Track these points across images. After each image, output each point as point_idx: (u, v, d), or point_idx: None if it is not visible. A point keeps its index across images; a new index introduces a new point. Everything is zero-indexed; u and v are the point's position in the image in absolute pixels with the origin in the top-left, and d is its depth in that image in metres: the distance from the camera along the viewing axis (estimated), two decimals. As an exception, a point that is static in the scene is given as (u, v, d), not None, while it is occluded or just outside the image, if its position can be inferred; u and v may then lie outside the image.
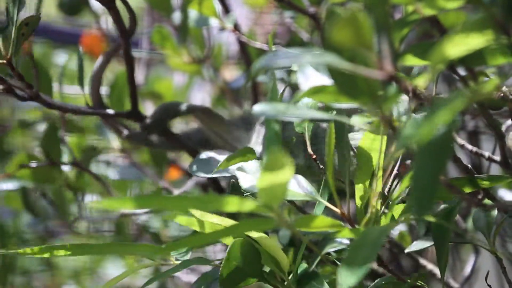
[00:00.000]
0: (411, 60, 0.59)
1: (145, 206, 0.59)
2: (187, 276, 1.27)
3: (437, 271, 0.89)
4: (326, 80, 0.55)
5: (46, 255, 0.62)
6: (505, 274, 0.68)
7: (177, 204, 0.54)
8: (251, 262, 0.64)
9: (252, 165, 0.66)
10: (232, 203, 0.52)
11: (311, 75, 0.59)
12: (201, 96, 1.74)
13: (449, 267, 1.23)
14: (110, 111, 0.90)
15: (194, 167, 0.76)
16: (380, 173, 0.61)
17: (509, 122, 0.75)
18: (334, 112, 0.64)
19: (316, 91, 0.53)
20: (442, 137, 0.47)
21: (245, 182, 0.64)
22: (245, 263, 0.64)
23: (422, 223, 0.75)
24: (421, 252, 0.97)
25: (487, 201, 0.66)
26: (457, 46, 0.50)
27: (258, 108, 0.55)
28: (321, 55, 0.48)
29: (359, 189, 0.64)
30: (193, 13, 0.98)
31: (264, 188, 0.51)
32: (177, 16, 1.05)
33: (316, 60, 0.48)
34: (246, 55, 1.06)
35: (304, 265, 0.65)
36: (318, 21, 0.92)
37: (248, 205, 0.52)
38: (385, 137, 0.61)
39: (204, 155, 0.78)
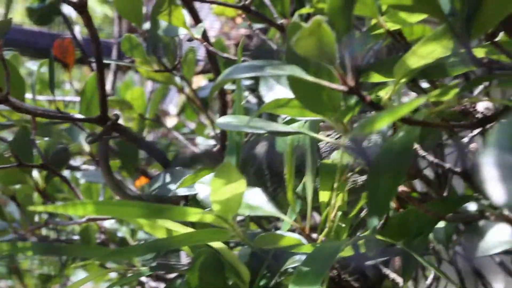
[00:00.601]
0: (374, 77, 0.60)
1: (104, 213, 0.59)
2: (154, 283, 1.28)
3: (400, 280, 0.90)
4: (288, 93, 0.56)
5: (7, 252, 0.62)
6: (462, 284, 0.69)
7: (136, 212, 0.55)
8: (215, 273, 0.65)
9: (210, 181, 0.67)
10: (190, 214, 0.53)
11: (274, 87, 0.60)
12: (174, 103, 1.75)
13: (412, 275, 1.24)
14: (79, 116, 0.91)
15: (155, 185, 0.77)
16: (339, 187, 0.61)
17: (470, 134, 0.76)
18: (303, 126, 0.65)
19: (279, 104, 0.54)
20: (400, 150, 0.48)
21: (202, 194, 0.65)
22: (210, 274, 0.65)
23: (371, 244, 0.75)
24: (387, 261, 0.97)
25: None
26: (419, 58, 0.51)
27: (222, 120, 0.55)
28: (284, 67, 0.49)
29: (321, 203, 0.65)
30: (162, 23, 0.99)
31: (218, 200, 0.52)
32: (147, 26, 1.05)
33: (279, 72, 0.49)
34: (214, 64, 1.07)
35: (264, 280, 0.66)
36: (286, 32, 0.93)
37: (206, 217, 0.53)
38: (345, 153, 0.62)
39: (166, 172, 0.79)
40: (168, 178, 0.78)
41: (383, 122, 0.44)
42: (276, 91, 0.60)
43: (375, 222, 0.48)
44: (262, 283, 0.65)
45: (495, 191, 0.30)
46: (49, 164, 0.99)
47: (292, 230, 0.66)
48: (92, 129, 1.00)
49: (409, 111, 0.44)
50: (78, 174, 1.36)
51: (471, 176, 0.73)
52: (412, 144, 0.49)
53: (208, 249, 0.64)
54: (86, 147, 1.00)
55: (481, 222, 0.54)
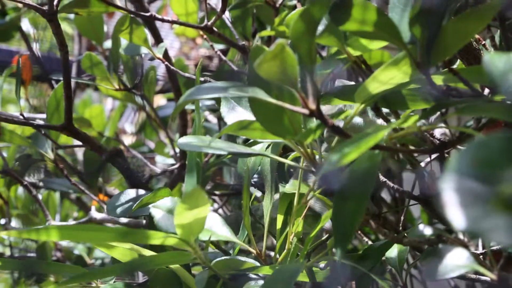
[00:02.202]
0: (335, 102, 0.60)
1: (68, 237, 0.59)
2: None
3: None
4: (249, 115, 0.56)
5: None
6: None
7: (100, 236, 0.55)
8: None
9: (165, 202, 0.67)
10: (154, 238, 0.53)
11: (235, 108, 0.60)
12: (130, 121, 1.74)
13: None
14: (43, 123, 0.90)
15: (111, 206, 0.77)
16: (298, 211, 0.62)
17: (428, 159, 0.78)
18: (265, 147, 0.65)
19: (241, 126, 0.54)
20: (364, 175, 0.49)
21: (160, 219, 0.65)
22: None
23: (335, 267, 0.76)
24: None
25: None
26: (380, 84, 0.52)
27: (183, 141, 0.55)
28: (247, 89, 0.49)
29: (278, 227, 0.66)
30: (123, 41, 0.99)
31: (182, 224, 0.52)
32: (107, 44, 1.05)
33: (242, 94, 0.49)
34: (174, 83, 1.07)
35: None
36: (248, 54, 0.93)
37: (168, 240, 0.53)
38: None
39: (125, 193, 0.79)
40: (129, 197, 0.78)
41: (352, 156, 0.44)
42: (237, 113, 0.60)
43: (342, 247, 0.48)
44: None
45: (455, 216, 0.30)
46: (12, 170, 0.98)
47: (247, 252, 0.66)
48: (57, 137, 0.99)
49: (375, 143, 0.45)
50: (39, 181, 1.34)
51: (428, 201, 0.74)
52: (375, 169, 0.50)
53: (165, 269, 0.64)
54: (51, 155, 0.99)
55: (439, 246, 0.54)
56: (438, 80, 0.60)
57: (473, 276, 0.64)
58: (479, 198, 0.31)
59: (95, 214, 0.94)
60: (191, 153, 0.68)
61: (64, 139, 1.34)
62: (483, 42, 0.67)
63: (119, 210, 0.75)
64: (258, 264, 0.63)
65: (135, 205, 0.69)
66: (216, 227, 0.64)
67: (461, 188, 0.31)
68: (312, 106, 0.49)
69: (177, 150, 1.21)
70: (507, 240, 0.30)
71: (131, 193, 0.78)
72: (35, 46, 1.52)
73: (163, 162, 1.36)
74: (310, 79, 0.51)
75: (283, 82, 0.48)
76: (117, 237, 0.55)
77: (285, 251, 0.63)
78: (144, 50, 0.96)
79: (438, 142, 0.66)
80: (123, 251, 0.65)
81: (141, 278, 1.02)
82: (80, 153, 1.41)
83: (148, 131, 1.50)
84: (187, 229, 0.52)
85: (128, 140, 1.60)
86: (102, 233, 0.54)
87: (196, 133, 0.69)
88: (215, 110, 1.20)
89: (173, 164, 1.19)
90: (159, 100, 1.60)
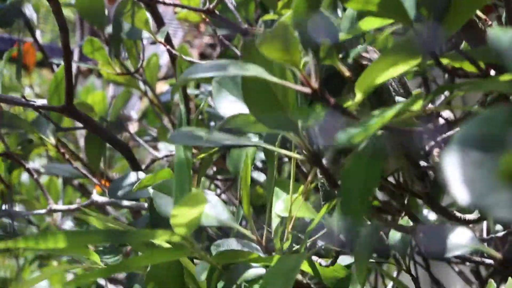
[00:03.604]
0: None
1: (76, 244, 0.58)
2: (113, 287, 1.26)
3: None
4: (241, 105, 0.55)
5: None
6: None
7: (107, 238, 0.54)
8: (174, 277, 0.64)
9: (166, 184, 0.66)
10: (147, 235, 0.52)
11: (227, 97, 0.59)
12: (136, 110, 1.74)
13: (371, 284, 1.24)
14: (44, 104, 0.89)
15: (113, 189, 0.76)
16: (295, 198, 0.61)
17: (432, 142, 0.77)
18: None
19: (235, 119, 0.53)
20: (371, 158, 0.48)
21: (161, 204, 0.64)
22: (168, 277, 0.64)
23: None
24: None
25: (405, 221, 0.67)
26: (384, 72, 0.51)
27: (175, 134, 0.54)
28: (248, 67, 0.48)
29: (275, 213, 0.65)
30: (125, 25, 0.98)
31: (178, 222, 0.52)
32: (109, 30, 1.04)
33: (242, 72, 0.48)
34: (176, 68, 1.06)
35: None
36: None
37: (162, 237, 0.52)
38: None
39: (128, 176, 0.78)
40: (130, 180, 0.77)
41: (371, 130, 0.43)
42: (229, 102, 0.59)
43: (351, 234, 0.48)
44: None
45: (459, 190, 0.29)
46: (13, 154, 0.97)
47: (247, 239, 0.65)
48: (59, 120, 0.98)
49: (383, 124, 0.44)
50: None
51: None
52: (382, 151, 0.49)
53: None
54: (52, 139, 0.98)
55: (442, 226, 0.54)
56: (444, 61, 0.59)
57: (477, 259, 0.63)
58: (484, 172, 0.30)
59: (96, 197, 0.93)
60: (179, 147, 0.65)
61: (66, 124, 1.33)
62: (490, 23, 0.66)
63: (120, 192, 0.75)
64: (258, 249, 0.63)
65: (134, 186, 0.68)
66: (217, 212, 0.63)
67: (465, 162, 0.30)
68: (315, 85, 0.49)
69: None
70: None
71: (133, 176, 0.77)
72: (38, 34, 1.51)
73: (166, 149, 1.36)
74: (314, 58, 0.50)
75: (285, 62, 0.47)
76: (124, 239, 0.54)
77: (285, 239, 0.62)
78: (145, 34, 0.95)
79: (445, 121, 0.65)
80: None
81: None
82: (82, 139, 1.41)
83: (151, 117, 1.50)
84: (184, 227, 0.52)
85: (133, 127, 1.59)
86: (107, 236, 0.53)
87: (181, 125, 0.67)
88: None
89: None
90: (162, 87, 1.59)
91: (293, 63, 0.48)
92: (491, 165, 0.30)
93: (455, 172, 0.30)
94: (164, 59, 1.71)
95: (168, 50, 0.95)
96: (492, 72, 0.70)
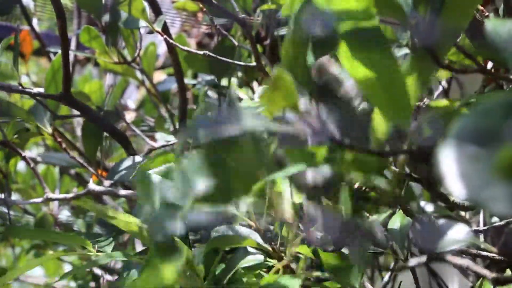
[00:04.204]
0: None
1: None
2: (110, 277, 1.27)
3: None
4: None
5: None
6: (417, 284, 0.69)
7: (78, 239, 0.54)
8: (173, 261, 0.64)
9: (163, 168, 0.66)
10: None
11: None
12: (133, 99, 1.73)
13: (368, 275, 1.25)
14: (41, 92, 0.89)
15: (111, 175, 0.76)
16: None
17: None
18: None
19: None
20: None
21: (157, 184, 0.63)
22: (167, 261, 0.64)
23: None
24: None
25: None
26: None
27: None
28: (259, 118, 0.48)
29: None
30: (123, 14, 0.98)
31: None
32: (106, 17, 1.04)
33: (256, 125, 0.48)
34: (174, 57, 1.06)
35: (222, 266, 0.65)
36: (248, 28, 0.92)
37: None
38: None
39: (129, 160, 0.78)
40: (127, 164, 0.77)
41: None
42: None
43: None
44: (218, 272, 0.64)
45: (455, 184, 0.29)
46: (10, 142, 0.97)
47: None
48: (56, 109, 0.98)
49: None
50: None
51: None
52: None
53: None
54: (49, 128, 0.97)
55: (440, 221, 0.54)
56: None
57: (474, 251, 0.63)
58: (480, 166, 0.30)
59: (93, 186, 0.93)
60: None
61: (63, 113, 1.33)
62: (487, 14, 0.65)
63: (116, 176, 0.74)
64: (257, 235, 0.62)
65: (133, 173, 0.68)
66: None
67: (461, 156, 0.30)
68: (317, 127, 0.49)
69: (178, 126, 1.20)
70: (508, 209, 0.29)
71: (129, 160, 0.77)
72: (35, 22, 1.51)
73: (163, 139, 1.35)
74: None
75: (286, 107, 0.48)
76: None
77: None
78: (142, 23, 0.95)
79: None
80: (126, 220, 0.64)
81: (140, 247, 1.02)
82: (79, 128, 1.40)
83: (148, 107, 1.49)
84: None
85: (130, 116, 1.59)
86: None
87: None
88: (215, 85, 1.19)
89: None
90: (160, 77, 1.59)
91: (293, 107, 0.48)
92: (487, 159, 0.29)
93: (451, 166, 0.30)
94: (162, 49, 1.70)
95: (166, 40, 0.95)
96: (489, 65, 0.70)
